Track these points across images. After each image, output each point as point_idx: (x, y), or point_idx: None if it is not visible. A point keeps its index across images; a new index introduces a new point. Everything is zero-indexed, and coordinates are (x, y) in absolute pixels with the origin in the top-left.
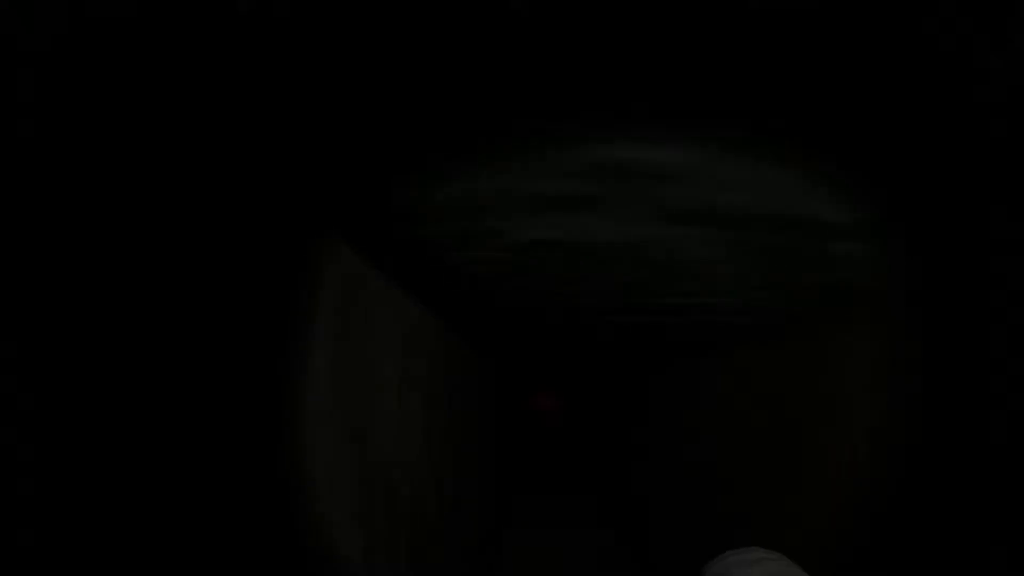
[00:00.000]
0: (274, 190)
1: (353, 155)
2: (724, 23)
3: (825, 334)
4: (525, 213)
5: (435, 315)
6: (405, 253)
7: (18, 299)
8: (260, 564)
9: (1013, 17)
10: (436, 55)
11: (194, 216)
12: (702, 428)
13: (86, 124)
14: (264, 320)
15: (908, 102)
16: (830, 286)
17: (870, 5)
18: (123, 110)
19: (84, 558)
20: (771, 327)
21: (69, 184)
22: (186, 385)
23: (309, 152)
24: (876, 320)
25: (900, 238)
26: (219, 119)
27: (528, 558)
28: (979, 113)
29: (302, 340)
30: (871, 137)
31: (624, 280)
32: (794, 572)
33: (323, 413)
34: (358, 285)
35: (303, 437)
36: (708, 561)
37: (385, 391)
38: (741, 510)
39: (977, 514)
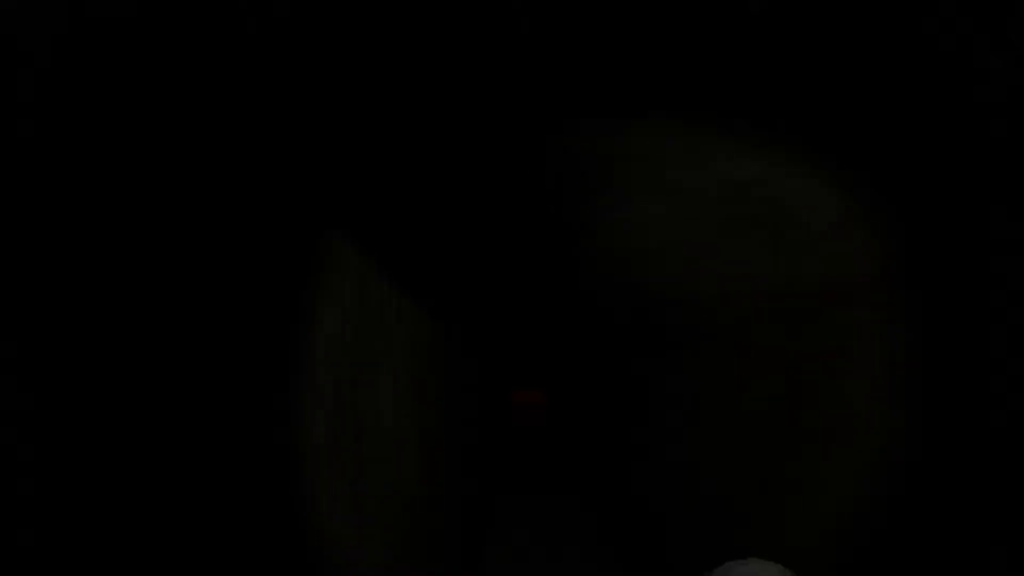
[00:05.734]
0: (276, 190)
1: (354, 155)
2: (725, 25)
3: (824, 333)
4: (527, 200)
5: (424, 308)
6: (402, 251)
7: (18, 299)
8: (260, 563)
9: (1013, 17)
10: (436, 55)
11: (196, 216)
12: (693, 425)
13: (86, 124)
14: (266, 319)
15: (908, 102)
16: (830, 285)
17: (870, 5)
18: (123, 110)
19: (84, 558)
20: (770, 324)
21: (69, 184)
22: (188, 384)
23: (311, 152)
24: (875, 319)
25: (900, 237)
26: (220, 119)
27: (511, 561)
28: (979, 113)
29: (303, 338)
30: (872, 136)
31: (624, 268)
32: None
33: (323, 408)
34: (359, 284)
35: (303, 434)
36: (706, 572)
37: (383, 389)
38: (739, 510)
39: (977, 514)
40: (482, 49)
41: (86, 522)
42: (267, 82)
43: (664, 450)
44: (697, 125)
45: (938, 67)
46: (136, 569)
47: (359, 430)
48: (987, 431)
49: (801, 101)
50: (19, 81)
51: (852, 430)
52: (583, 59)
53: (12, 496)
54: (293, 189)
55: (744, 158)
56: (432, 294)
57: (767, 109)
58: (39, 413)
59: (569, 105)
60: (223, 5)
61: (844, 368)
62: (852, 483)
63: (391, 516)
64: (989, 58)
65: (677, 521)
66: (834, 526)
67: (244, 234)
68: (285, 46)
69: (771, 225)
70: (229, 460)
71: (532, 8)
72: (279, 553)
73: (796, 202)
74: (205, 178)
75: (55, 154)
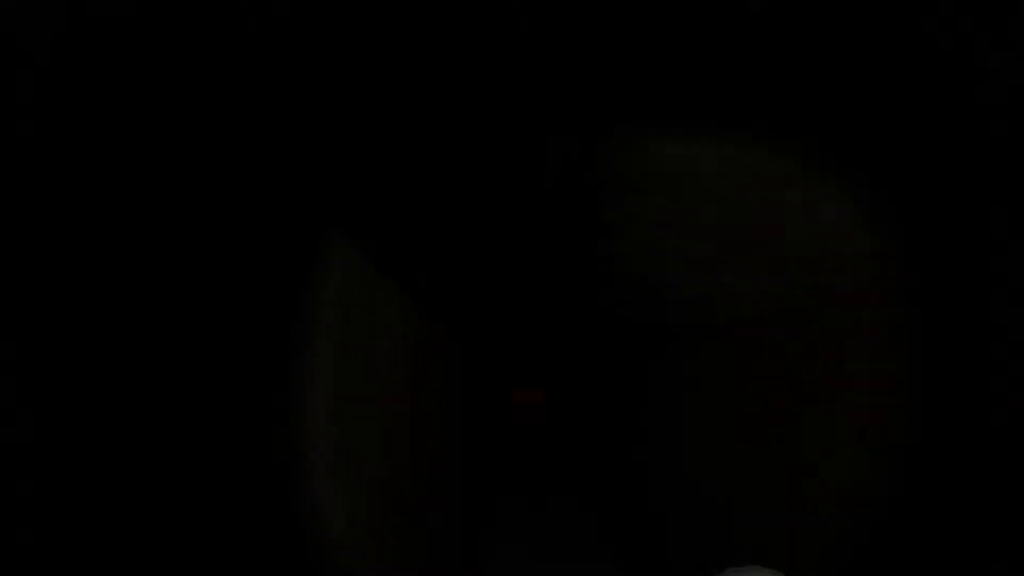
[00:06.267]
0: (276, 189)
1: (354, 154)
2: (725, 25)
3: (824, 333)
4: (536, 200)
5: (424, 307)
6: (402, 251)
7: (18, 299)
8: (260, 562)
9: (1013, 17)
10: (436, 54)
11: (196, 215)
12: (693, 425)
13: (86, 124)
14: (266, 316)
15: (908, 102)
16: (830, 285)
17: (870, 5)
18: (123, 110)
19: (84, 558)
20: (770, 324)
21: (69, 184)
22: (187, 383)
23: (311, 151)
24: (875, 319)
25: (900, 237)
26: (220, 118)
27: (510, 561)
28: (979, 113)
29: (304, 338)
30: (872, 136)
31: (624, 268)
32: None
33: (323, 407)
34: (358, 281)
35: (303, 431)
36: None
37: (384, 389)
38: (739, 510)
39: (977, 514)
40: (482, 49)
41: (86, 522)
42: (267, 82)
43: (664, 450)
44: (697, 124)
45: (938, 67)
46: (135, 569)
47: (359, 430)
48: (987, 431)
49: (801, 101)
50: (19, 81)
51: (852, 430)
52: (581, 59)
53: (12, 496)
54: (293, 188)
55: (744, 157)
56: (432, 294)
57: (767, 109)
58: (39, 413)
59: (566, 105)
60: (223, 5)
61: (844, 368)
62: (852, 483)
63: (391, 516)
64: (989, 58)
65: (677, 521)
66: (834, 526)
67: (244, 233)
68: (285, 46)
69: (771, 225)
70: (228, 460)
71: (532, 8)
72: (279, 553)
73: (796, 202)
74: (205, 177)
75: (55, 154)
